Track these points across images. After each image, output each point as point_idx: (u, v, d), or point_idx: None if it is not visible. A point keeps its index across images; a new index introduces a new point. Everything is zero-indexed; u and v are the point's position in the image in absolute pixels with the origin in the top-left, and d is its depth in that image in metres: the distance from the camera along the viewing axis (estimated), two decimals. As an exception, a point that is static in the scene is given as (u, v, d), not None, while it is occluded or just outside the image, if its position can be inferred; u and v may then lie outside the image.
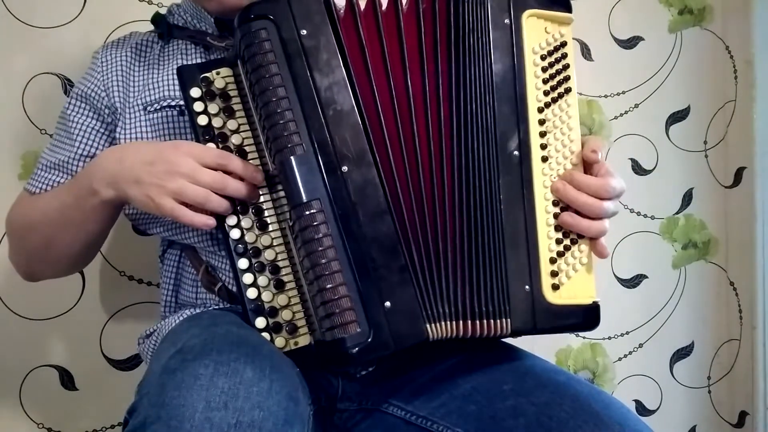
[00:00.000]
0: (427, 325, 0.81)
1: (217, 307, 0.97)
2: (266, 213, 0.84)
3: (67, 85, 1.27)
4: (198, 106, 0.84)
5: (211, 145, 0.83)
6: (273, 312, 0.82)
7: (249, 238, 0.83)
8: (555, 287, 0.86)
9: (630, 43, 1.61)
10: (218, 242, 0.95)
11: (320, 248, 0.77)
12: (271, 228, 0.84)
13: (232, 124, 0.84)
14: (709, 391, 1.71)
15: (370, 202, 0.80)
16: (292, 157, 0.78)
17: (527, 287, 0.84)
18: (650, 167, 1.63)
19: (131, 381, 1.02)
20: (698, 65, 1.65)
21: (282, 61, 0.79)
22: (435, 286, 0.82)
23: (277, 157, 0.79)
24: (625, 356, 1.64)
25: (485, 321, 0.83)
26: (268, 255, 0.83)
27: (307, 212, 0.78)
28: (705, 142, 1.67)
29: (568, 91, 0.89)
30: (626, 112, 1.62)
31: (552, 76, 0.89)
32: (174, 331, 0.90)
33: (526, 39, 0.88)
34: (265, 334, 0.82)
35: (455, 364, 0.91)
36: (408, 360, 0.92)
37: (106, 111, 0.99)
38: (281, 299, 0.83)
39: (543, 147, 0.87)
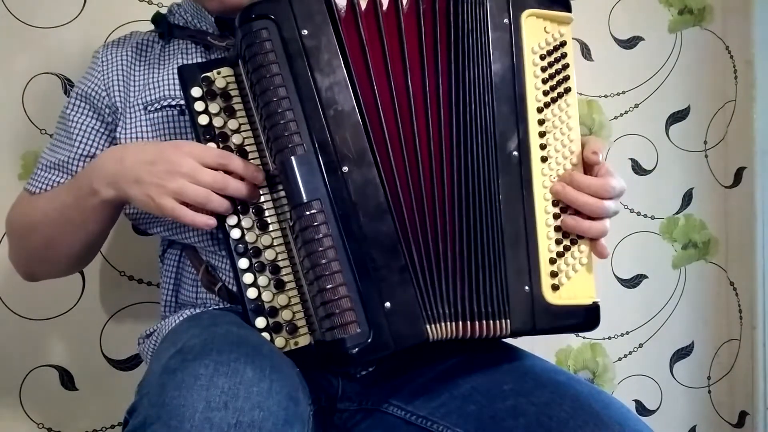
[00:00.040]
0: (427, 326, 0.81)
1: (217, 307, 0.97)
2: (267, 213, 0.84)
3: (67, 85, 1.27)
4: (199, 106, 0.84)
5: (212, 144, 0.83)
6: (273, 312, 0.82)
7: (249, 237, 0.83)
8: (555, 288, 0.86)
9: (630, 43, 1.61)
10: (219, 242, 0.95)
11: (320, 248, 0.77)
12: (271, 228, 0.84)
13: (232, 124, 0.84)
14: (709, 391, 1.70)
15: (370, 202, 0.80)
16: (292, 157, 0.78)
17: (527, 288, 0.84)
18: (650, 167, 1.63)
19: (131, 381, 1.02)
20: (698, 65, 1.65)
21: (283, 61, 0.79)
22: (435, 286, 0.82)
23: (277, 157, 0.79)
24: (625, 356, 1.64)
25: (485, 322, 0.83)
26: (269, 255, 0.83)
27: (308, 212, 0.78)
28: (705, 142, 1.67)
29: (567, 91, 0.89)
30: (626, 112, 1.62)
31: (551, 76, 0.89)
32: (174, 331, 0.90)
33: (525, 39, 0.87)
34: (265, 334, 0.82)
35: (455, 364, 0.91)
36: (408, 360, 0.92)
37: (107, 111, 0.99)
38: (281, 299, 0.83)
39: (542, 147, 0.87)
